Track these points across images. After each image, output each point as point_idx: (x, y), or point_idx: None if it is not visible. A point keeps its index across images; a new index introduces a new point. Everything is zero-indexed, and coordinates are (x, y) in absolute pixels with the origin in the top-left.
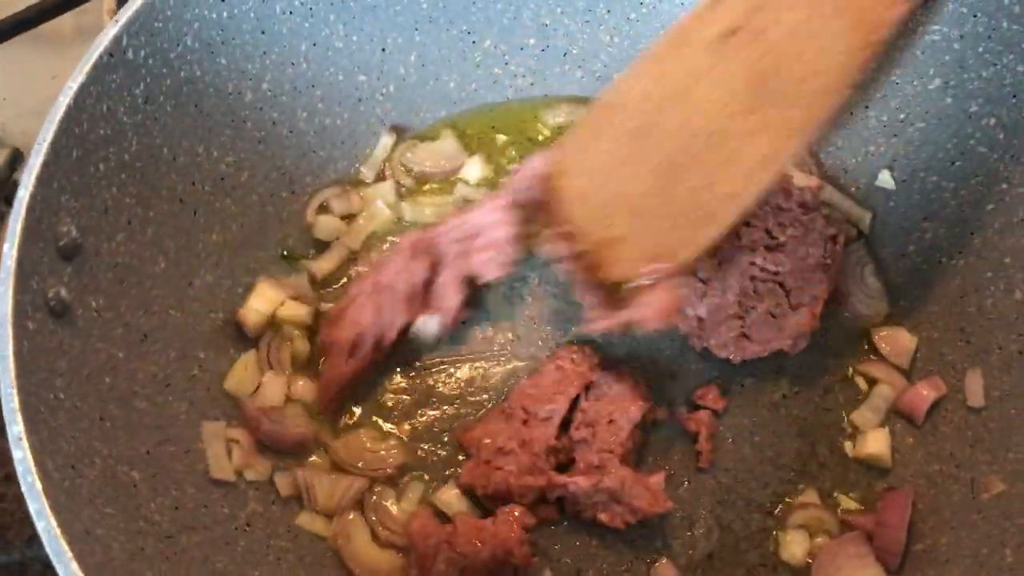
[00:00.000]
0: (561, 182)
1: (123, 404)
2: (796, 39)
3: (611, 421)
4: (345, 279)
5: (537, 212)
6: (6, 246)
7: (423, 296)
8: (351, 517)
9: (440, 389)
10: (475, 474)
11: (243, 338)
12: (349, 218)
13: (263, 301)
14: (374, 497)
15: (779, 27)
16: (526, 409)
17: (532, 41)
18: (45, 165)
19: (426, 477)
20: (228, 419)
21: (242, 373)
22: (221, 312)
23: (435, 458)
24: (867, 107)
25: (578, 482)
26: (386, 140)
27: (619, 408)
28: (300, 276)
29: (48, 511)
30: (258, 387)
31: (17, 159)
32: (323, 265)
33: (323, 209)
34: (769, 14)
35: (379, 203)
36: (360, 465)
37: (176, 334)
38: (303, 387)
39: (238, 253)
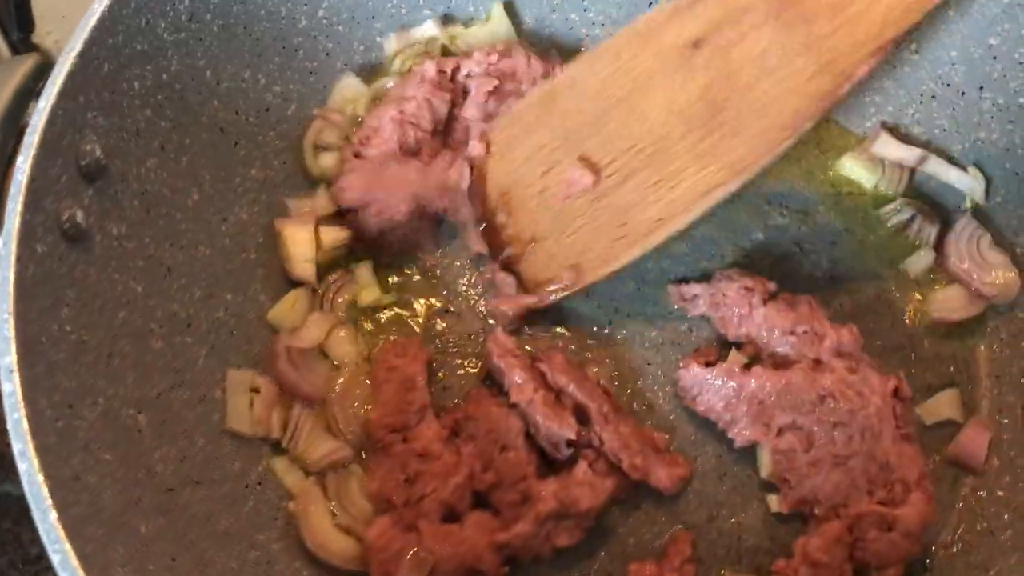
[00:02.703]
0: (490, 167)
1: (136, 342)
2: (758, 67)
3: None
4: None
5: None
6: (19, 159)
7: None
8: (314, 491)
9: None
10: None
11: (276, 284)
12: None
13: (300, 246)
14: (339, 475)
15: (743, 49)
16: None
17: None
18: (71, 76)
19: None
20: (250, 367)
21: (288, 308)
22: (254, 252)
23: None
24: (981, 87)
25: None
26: (431, 29)
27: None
28: (312, 195)
29: (32, 452)
30: (301, 327)
31: (44, 70)
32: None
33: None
34: (737, 30)
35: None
36: (349, 433)
37: (203, 272)
38: (342, 341)
39: (277, 191)
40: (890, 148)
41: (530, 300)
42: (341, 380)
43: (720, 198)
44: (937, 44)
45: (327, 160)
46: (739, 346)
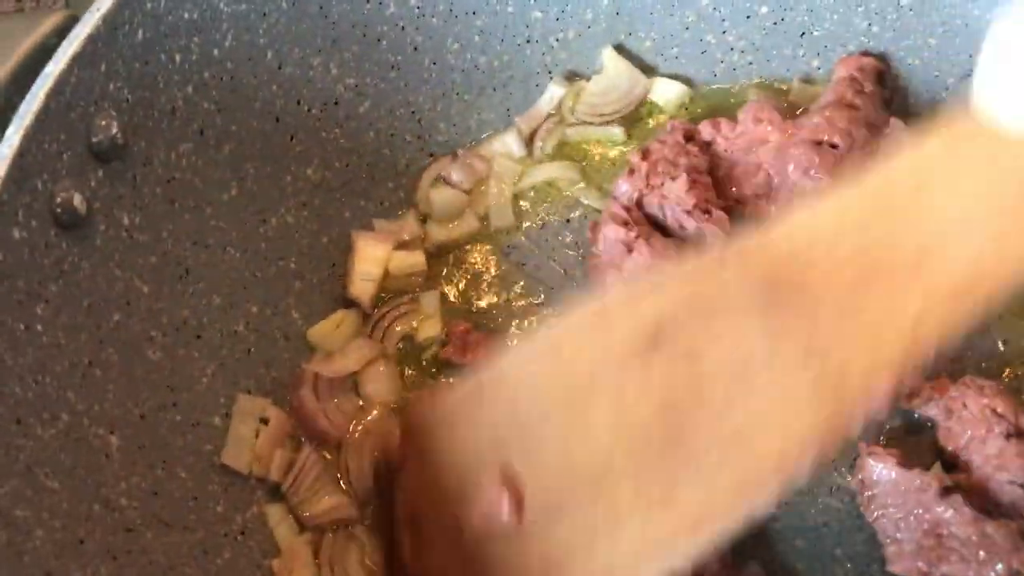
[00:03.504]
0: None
1: (128, 350)
2: (738, 381)
3: None
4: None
5: None
6: (11, 128)
7: None
8: (304, 553)
9: None
10: None
11: (315, 302)
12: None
13: (369, 263)
14: (337, 537)
15: (716, 354)
16: None
17: (764, 9)
18: (91, 40)
19: None
20: (262, 395)
21: (332, 328)
22: (294, 262)
23: None
24: None
25: None
26: (556, 89)
27: None
28: (404, 218)
29: None
30: (339, 352)
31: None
32: (443, 232)
33: (440, 181)
34: (708, 328)
35: (503, 160)
36: (360, 488)
37: (228, 277)
38: (379, 377)
39: (334, 196)
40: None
41: None
42: (364, 422)
43: (680, 558)
44: None
45: (443, 195)
46: (948, 466)
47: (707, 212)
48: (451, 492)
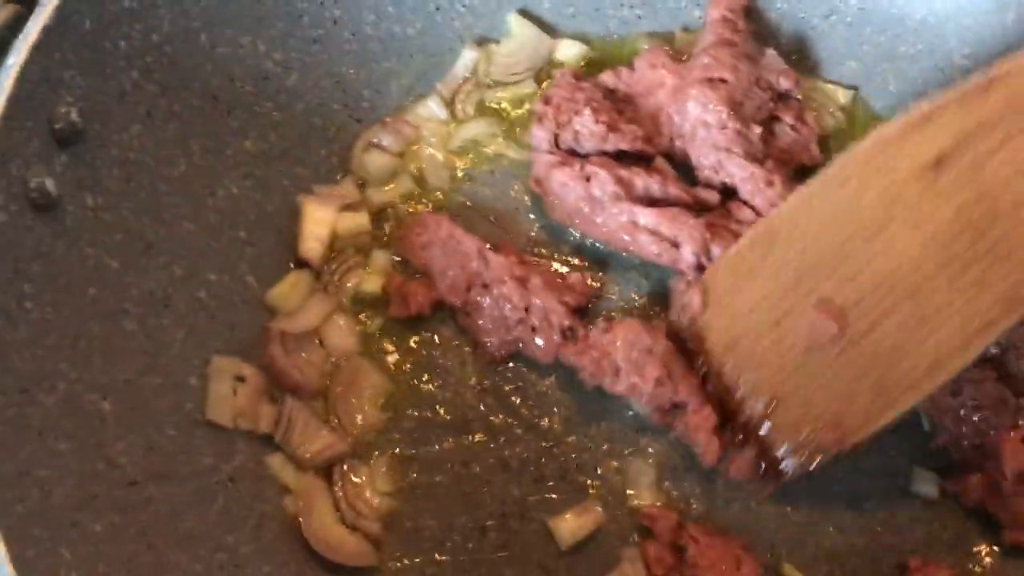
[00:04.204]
0: (706, 320)
1: (107, 322)
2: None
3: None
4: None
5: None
6: None
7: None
8: (316, 485)
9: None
10: None
11: (267, 265)
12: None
13: (317, 225)
14: (344, 467)
15: (999, 163)
16: None
17: None
18: (47, 31)
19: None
20: (231, 354)
21: (289, 289)
22: (243, 231)
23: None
24: None
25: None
26: (469, 54)
27: None
28: (343, 183)
29: None
30: (299, 310)
31: (22, 21)
32: (380, 195)
33: (371, 147)
34: (987, 142)
35: (431, 123)
36: (352, 428)
37: (186, 248)
38: (340, 331)
39: (272, 166)
40: None
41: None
42: (343, 374)
43: (998, 335)
44: None
45: (376, 160)
46: None
47: (617, 130)
48: (763, 321)
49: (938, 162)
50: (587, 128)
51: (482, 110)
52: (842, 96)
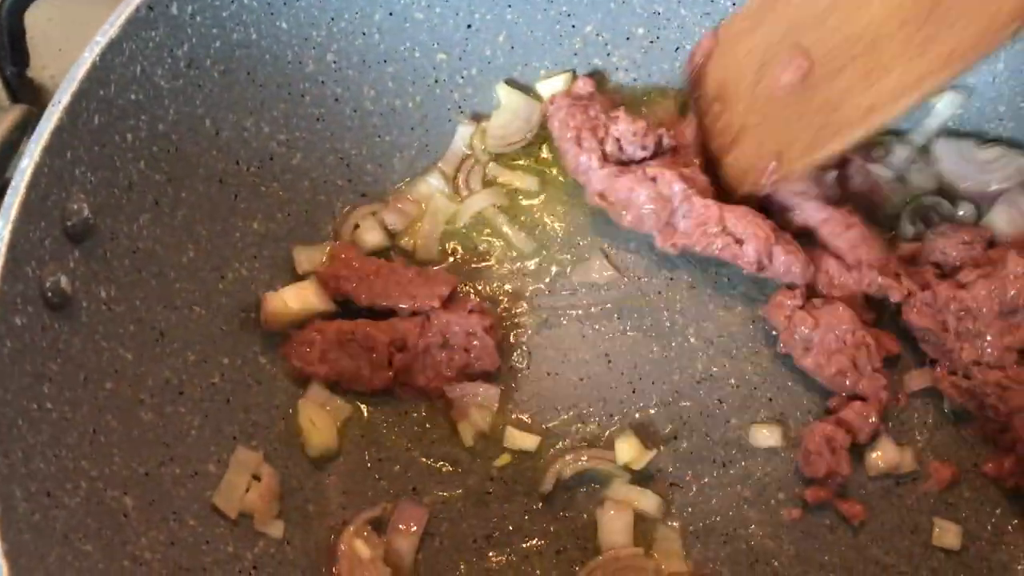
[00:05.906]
0: (714, 60)
1: (124, 415)
2: None
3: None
4: None
5: None
6: None
7: None
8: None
9: None
10: None
11: (276, 343)
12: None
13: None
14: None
15: None
16: None
17: (640, 31)
18: (57, 132)
19: None
20: (246, 439)
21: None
22: (254, 312)
23: None
24: None
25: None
26: (465, 131)
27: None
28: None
29: (1, 559)
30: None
31: (31, 122)
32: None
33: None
34: None
35: (437, 197)
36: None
37: (198, 334)
38: None
39: (281, 246)
40: None
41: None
42: None
43: (930, 89)
44: None
45: (370, 236)
46: None
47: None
48: (752, 63)
49: None
50: (628, 131)
51: (487, 184)
52: None
